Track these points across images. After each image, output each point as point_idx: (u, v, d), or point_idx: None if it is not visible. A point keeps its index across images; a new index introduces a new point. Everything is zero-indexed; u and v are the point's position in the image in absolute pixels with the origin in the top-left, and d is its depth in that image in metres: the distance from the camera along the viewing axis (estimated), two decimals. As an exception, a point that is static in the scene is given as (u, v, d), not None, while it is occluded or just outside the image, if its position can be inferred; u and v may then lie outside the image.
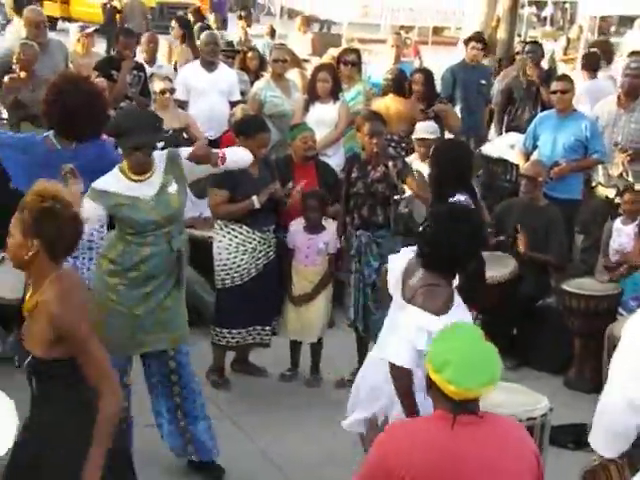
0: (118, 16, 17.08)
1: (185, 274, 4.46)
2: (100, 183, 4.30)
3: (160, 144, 5.07)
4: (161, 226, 4.28)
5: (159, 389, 4.51)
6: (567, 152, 6.89)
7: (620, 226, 6.39)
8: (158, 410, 4.55)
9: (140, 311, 4.33)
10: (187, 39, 9.76)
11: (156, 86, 7.19)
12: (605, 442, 3.20)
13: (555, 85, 7.05)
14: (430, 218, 3.94)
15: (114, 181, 4.29)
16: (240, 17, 15.41)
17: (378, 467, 2.68)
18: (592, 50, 9.95)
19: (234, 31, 16.30)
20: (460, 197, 4.74)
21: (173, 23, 10.30)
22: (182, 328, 4.49)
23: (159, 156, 4.37)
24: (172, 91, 7.26)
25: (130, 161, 4.27)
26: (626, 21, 25.62)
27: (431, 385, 2.72)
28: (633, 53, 12.52)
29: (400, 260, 3.85)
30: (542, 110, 7.75)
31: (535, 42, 9.75)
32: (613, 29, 25.12)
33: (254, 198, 5.33)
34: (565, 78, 7.21)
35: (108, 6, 19.63)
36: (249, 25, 14.82)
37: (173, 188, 4.31)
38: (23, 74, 7.01)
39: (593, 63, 9.07)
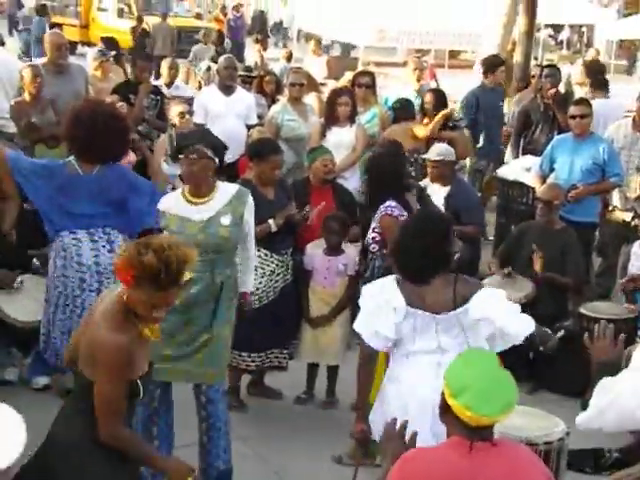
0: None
1: (226, 313, 4.45)
2: (161, 204, 4.48)
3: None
4: (204, 252, 4.23)
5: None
6: (584, 175, 6.88)
7: (638, 250, 6.36)
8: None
9: (179, 338, 4.34)
10: None
11: (174, 110, 7.24)
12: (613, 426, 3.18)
13: (573, 110, 7.05)
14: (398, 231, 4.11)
15: (172, 202, 4.44)
16: (256, 41, 15.54)
17: None
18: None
19: (251, 54, 16.44)
20: (391, 204, 5.17)
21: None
22: (219, 366, 4.48)
23: (226, 187, 4.48)
24: (190, 113, 7.31)
25: (186, 175, 4.37)
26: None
27: (446, 410, 2.72)
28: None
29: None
30: (559, 133, 7.75)
31: (553, 65, 9.77)
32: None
33: (271, 221, 5.35)
34: (583, 102, 7.20)
35: (138, 30, 19.83)
36: (265, 49, 14.96)
37: (227, 220, 4.38)
38: (28, 97, 7.06)
39: (603, 83, 9.06)
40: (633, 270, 5.76)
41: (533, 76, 9.93)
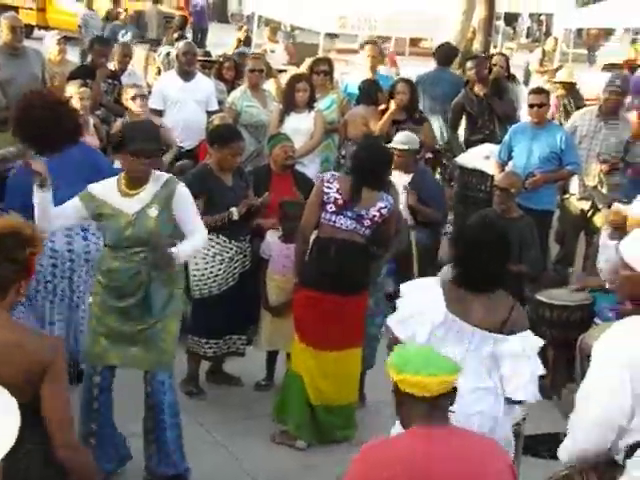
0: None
1: (163, 304, 4.39)
2: (94, 187, 4.33)
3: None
4: (133, 245, 4.26)
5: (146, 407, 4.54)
6: (542, 163, 6.94)
7: (606, 241, 6.30)
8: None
9: (114, 323, 4.34)
10: None
11: (128, 93, 7.14)
12: (571, 453, 3.21)
13: (532, 98, 7.10)
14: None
15: (106, 190, 4.32)
16: (240, 28, 15.49)
17: None
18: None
19: (213, 41, 16.36)
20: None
21: None
22: (159, 353, 4.42)
23: (156, 177, 4.35)
24: (143, 97, 7.18)
25: (131, 168, 4.25)
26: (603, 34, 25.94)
27: (399, 397, 2.79)
28: (607, 66, 12.71)
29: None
30: (499, 121, 7.86)
31: (477, 56, 9.79)
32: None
33: (233, 210, 5.32)
34: (541, 91, 7.26)
35: (114, 13, 19.57)
36: (247, 36, 14.90)
37: (153, 212, 4.29)
38: None
39: None
40: (601, 262, 5.78)
41: (494, 65, 9.98)
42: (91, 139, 6.54)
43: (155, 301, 4.35)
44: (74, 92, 6.50)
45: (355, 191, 4.95)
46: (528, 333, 3.73)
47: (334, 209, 4.94)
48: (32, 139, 4.86)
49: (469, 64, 8.77)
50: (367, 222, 4.96)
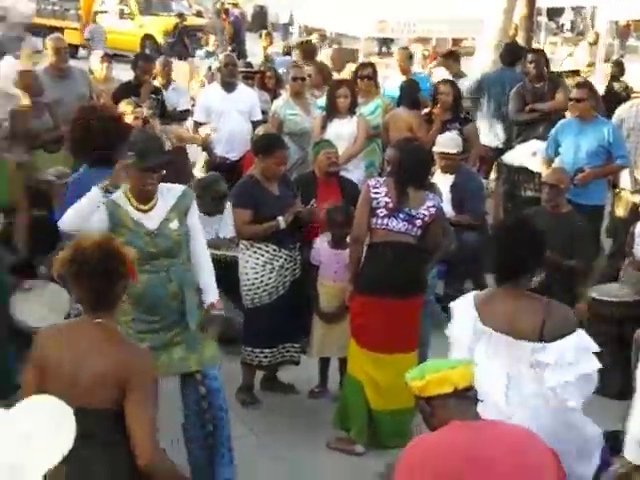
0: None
1: (193, 306, 4.40)
2: (116, 197, 4.28)
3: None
4: (157, 257, 4.26)
5: (191, 418, 4.47)
6: (590, 158, 6.85)
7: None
8: (189, 436, 4.51)
9: (151, 342, 4.27)
10: None
11: (128, 110, 7.06)
12: (637, 449, 3.17)
13: (573, 93, 7.03)
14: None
15: (123, 202, 4.29)
16: (260, 36, 15.55)
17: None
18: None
19: (254, 51, 16.45)
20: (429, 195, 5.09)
21: None
22: (205, 351, 4.42)
23: (168, 189, 4.35)
24: (153, 116, 7.18)
25: (138, 183, 4.23)
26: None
27: (427, 405, 2.95)
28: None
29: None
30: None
31: (537, 50, 9.68)
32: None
33: (280, 219, 5.34)
34: (581, 85, 7.16)
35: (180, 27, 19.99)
36: (270, 44, 14.99)
37: (175, 224, 4.30)
38: (27, 102, 6.96)
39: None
40: (638, 251, 5.72)
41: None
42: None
43: (190, 306, 4.35)
44: (129, 111, 6.59)
45: (402, 192, 4.94)
46: (576, 335, 3.60)
47: (385, 212, 4.94)
48: (89, 152, 4.96)
49: (529, 57, 8.69)
50: (418, 222, 4.95)
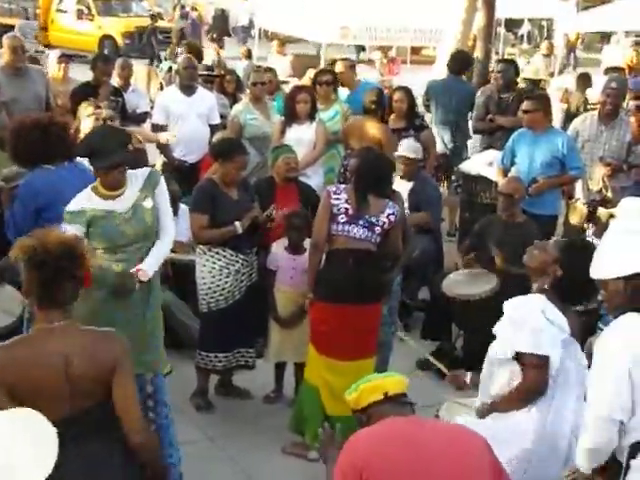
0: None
1: (159, 296, 4.45)
2: (72, 205, 4.31)
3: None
4: (133, 241, 4.30)
5: None
6: (544, 169, 6.93)
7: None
8: None
9: (119, 331, 4.30)
10: None
11: (88, 111, 7.06)
12: (586, 458, 3.22)
13: (524, 105, 7.12)
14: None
15: (86, 200, 4.32)
16: (212, 39, 15.59)
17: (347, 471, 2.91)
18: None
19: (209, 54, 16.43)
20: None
21: None
22: (161, 352, 4.50)
23: (136, 173, 4.40)
24: (112, 119, 7.13)
25: (106, 180, 4.29)
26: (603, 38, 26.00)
27: (364, 413, 3.11)
28: (610, 69, 12.74)
29: None
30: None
31: (507, 60, 9.82)
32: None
33: (237, 224, 5.34)
34: (533, 97, 7.22)
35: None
36: (221, 47, 15.02)
37: (148, 204, 4.35)
38: None
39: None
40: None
41: (493, 71, 10.01)
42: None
43: (154, 298, 4.40)
44: (90, 112, 6.52)
45: (362, 199, 4.95)
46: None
47: (346, 219, 4.94)
48: (22, 159, 4.94)
49: (497, 67, 8.79)
50: (378, 229, 4.96)
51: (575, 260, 3.81)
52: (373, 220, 4.95)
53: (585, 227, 7.00)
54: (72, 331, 3.13)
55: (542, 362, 3.72)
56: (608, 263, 3.21)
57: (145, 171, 4.44)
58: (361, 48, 19.62)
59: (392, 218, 5.00)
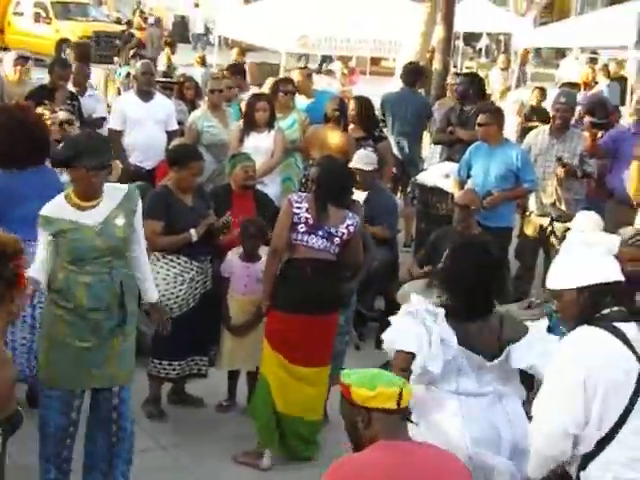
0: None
1: (133, 311, 4.39)
2: (45, 209, 4.27)
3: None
4: (102, 255, 4.24)
5: (97, 425, 4.45)
6: (498, 182, 7.00)
7: None
8: (90, 450, 4.47)
9: (87, 344, 4.27)
10: None
11: (61, 116, 7.01)
12: (536, 466, 3.25)
13: (479, 118, 7.20)
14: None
15: (58, 208, 4.26)
16: (166, 43, 15.60)
17: None
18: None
19: (173, 61, 16.41)
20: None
21: None
22: (131, 365, 4.46)
23: (114, 186, 4.37)
24: (71, 122, 7.10)
25: (86, 185, 4.21)
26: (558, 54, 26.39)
27: (366, 416, 2.83)
28: (565, 85, 12.92)
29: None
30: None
31: (468, 74, 9.92)
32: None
33: (192, 231, 5.31)
34: (486, 111, 7.28)
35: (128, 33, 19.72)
36: (173, 52, 15.05)
37: (121, 221, 4.29)
38: None
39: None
40: None
41: (452, 84, 10.10)
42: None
43: (129, 313, 4.34)
44: (46, 117, 6.45)
45: (322, 209, 4.95)
46: (529, 335, 3.80)
47: (305, 229, 4.93)
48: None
49: (458, 80, 8.87)
50: (337, 240, 4.96)
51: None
52: (332, 231, 4.95)
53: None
54: None
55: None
56: (564, 274, 3.27)
57: (123, 189, 4.38)
58: (328, 58, 19.73)
59: (351, 229, 5.00)
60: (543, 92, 11.50)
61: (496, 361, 3.73)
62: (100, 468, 4.44)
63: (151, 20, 24.25)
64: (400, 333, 3.77)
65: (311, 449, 5.15)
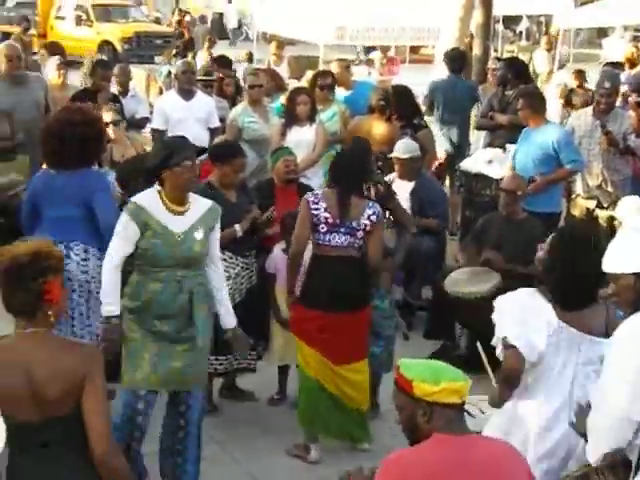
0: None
1: (204, 322, 4.41)
2: (140, 198, 4.30)
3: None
4: (176, 264, 4.27)
5: (166, 430, 4.54)
6: (537, 166, 6.91)
7: None
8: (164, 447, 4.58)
9: (155, 350, 4.31)
10: None
11: (105, 118, 7.13)
12: (596, 450, 3.20)
13: (518, 103, 7.13)
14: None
15: (153, 202, 4.28)
16: (208, 41, 15.69)
17: None
18: None
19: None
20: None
21: None
22: (199, 374, 4.48)
23: (201, 201, 4.41)
24: (117, 122, 7.20)
25: (180, 181, 4.24)
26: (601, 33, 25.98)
27: (425, 410, 2.75)
28: (608, 64, 12.72)
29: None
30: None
31: (510, 58, 9.83)
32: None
33: (237, 226, 5.33)
34: (524, 95, 7.20)
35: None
36: (212, 48, 15.14)
37: (200, 235, 4.32)
38: None
39: None
40: None
41: (493, 69, 10.01)
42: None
43: (198, 319, 4.35)
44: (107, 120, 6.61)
45: (343, 205, 4.86)
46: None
47: (326, 229, 4.86)
48: (53, 154, 4.95)
49: (498, 64, 8.80)
50: (360, 233, 4.88)
51: (566, 255, 3.70)
52: (354, 225, 4.86)
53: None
54: (38, 339, 3.06)
55: (510, 349, 3.59)
56: (621, 258, 3.22)
57: (207, 204, 4.42)
58: (371, 48, 19.68)
59: (374, 219, 4.90)
60: (582, 74, 11.34)
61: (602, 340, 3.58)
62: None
63: (197, 18, 24.46)
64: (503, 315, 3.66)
65: (361, 434, 5.13)
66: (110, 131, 7.13)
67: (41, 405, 3.00)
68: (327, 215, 4.85)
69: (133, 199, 4.34)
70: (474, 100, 9.29)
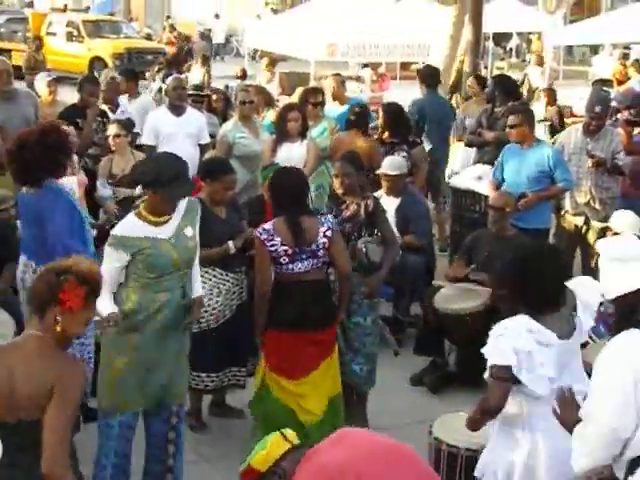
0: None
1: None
2: (119, 229, 4.35)
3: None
4: (178, 268, 4.34)
5: (153, 449, 4.54)
6: (531, 183, 6.93)
7: None
8: (148, 470, 4.57)
9: (156, 364, 4.34)
10: None
11: (110, 130, 7.17)
12: (583, 466, 3.20)
13: (509, 120, 7.15)
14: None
15: (132, 227, 4.33)
16: (203, 58, 15.72)
17: None
18: None
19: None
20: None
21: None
22: (186, 381, 4.54)
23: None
24: (124, 135, 7.23)
25: (163, 206, 4.31)
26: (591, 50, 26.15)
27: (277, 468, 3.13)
28: (597, 81, 12.80)
29: None
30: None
31: (498, 75, 9.90)
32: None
33: (230, 243, 5.33)
34: (515, 112, 7.19)
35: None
36: (208, 66, 15.18)
37: (189, 231, 4.40)
38: None
39: None
40: None
41: (469, 85, 10.08)
42: (81, 177, 6.64)
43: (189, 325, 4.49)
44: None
45: (297, 233, 4.79)
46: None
47: (287, 260, 4.81)
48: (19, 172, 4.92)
49: (489, 82, 8.88)
50: (321, 252, 4.85)
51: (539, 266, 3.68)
52: (313, 247, 4.82)
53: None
54: (32, 340, 3.13)
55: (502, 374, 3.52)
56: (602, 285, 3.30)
57: (184, 200, 4.46)
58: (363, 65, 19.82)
59: (329, 233, 4.87)
60: (553, 92, 11.52)
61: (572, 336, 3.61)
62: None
63: (197, 34, 24.52)
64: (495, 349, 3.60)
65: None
66: (112, 144, 7.18)
67: (14, 406, 3.01)
68: (285, 248, 4.79)
69: (112, 232, 4.37)
70: (451, 116, 9.36)
